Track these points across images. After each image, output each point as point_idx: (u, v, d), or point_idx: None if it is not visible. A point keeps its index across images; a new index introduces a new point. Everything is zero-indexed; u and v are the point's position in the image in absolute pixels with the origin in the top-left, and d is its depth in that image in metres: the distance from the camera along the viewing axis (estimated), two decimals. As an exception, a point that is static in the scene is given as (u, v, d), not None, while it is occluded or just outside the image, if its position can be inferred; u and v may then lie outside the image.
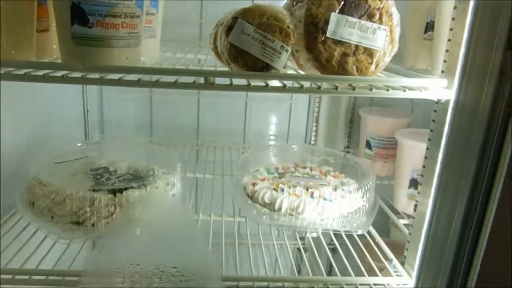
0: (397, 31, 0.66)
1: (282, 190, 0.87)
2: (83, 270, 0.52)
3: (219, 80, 0.63)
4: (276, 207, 0.86)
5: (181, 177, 1.06)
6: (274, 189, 0.88)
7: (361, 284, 0.74)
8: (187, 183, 1.09)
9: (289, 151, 1.08)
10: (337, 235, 1.06)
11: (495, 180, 0.52)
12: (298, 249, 1.40)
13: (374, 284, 0.75)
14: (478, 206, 0.54)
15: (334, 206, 0.86)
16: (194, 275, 0.50)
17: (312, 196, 0.86)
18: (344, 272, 0.82)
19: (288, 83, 0.64)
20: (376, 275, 0.78)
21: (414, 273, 0.71)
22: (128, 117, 1.32)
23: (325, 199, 0.86)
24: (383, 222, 1.20)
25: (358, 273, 0.80)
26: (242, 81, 0.64)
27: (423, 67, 0.93)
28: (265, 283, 0.73)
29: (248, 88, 0.63)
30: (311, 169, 1.01)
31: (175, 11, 1.21)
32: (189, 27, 1.25)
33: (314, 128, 1.33)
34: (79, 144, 0.94)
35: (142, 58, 0.77)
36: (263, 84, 0.63)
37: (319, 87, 0.64)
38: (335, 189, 0.88)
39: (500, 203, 0.51)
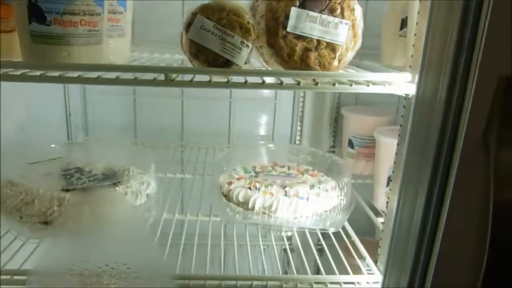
0: (359, 26, 0.65)
1: (257, 189, 0.87)
2: (31, 270, 0.52)
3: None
4: (250, 205, 0.85)
5: (159, 178, 1.07)
6: (249, 188, 0.88)
7: (330, 282, 0.74)
8: (168, 183, 1.09)
9: (268, 150, 1.08)
10: (325, 235, 1.05)
11: (449, 175, 0.51)
12: (285, 249, 1.39)
13: (344, 283, 0.74)
14: (434, 200, 0.53)
15: (308, 204, 0.85)
16: (144, 273, 0.50)
17: (287, 194, 0.86)
18: (330, 272, 0.81)
19: (251, 79, 0.64)
20: (348, 273, 0.77)
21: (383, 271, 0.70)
22: (113, 119, 1.31)
23: (300, 197, 0.86)
24: (369, 222, 1.19)
25: (342, 272, 0.79)
26: (205, 77, 0.64)
27: (399, 64, 0.92)
28: (233, 282, 0.72)
29: (209, 84, 0.62)
30: (288, 168, 1.00)
31: (158, 12, 1.22)
32: (172, 28, 1.25)
33: (298, 128, 1.32)
34: (52, 145, 0.93)
35: (111, 57, 0.77)
36: (224, 80, 0.63)
37: (281, 83, 0.63)
38: (312, 187, 0.87)
39: (453, 198, 0.50)
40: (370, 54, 1.05)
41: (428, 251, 0.54)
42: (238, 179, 0.92)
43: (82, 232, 0.51)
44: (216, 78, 0.63)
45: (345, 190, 0.91)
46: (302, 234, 1.03)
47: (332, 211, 0.87)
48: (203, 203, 0.99)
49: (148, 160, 0.93)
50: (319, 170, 1.01)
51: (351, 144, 1.16)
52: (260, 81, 0.63)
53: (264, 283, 0.73)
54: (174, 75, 0.62)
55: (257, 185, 0.87)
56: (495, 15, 0.45)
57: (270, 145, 1.09)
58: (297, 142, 1.33)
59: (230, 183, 0.91)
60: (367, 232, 1.05)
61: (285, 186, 0.87)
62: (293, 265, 1.00)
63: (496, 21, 0.45)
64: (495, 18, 0.45)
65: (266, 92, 1.32)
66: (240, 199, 0.87)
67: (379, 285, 0.72)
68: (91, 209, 0.51)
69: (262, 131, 1.37)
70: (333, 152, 1.32)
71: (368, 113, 1.14)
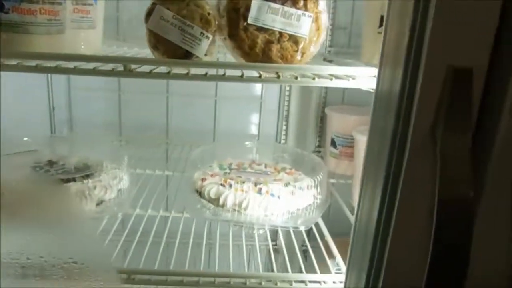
0: (323, 18, 0.64)
1: (230, 185, 0.86)
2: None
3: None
4: (221, 202, 0.84)
5: (139, 174, 1.07)
6: (221, 184, 0.87)
7: (296, 281, 0.72)
8: (148, 180, 1.08)
9: (247, 148, 1.07)
10: (310, 236, 1.04)
11: (400, 171, 0.49)
12: (269, 250, 1.38)
13: (310, 281, 0.73)
14: (388, 197, 0.51)
15: (281, 202, 0.84)
16: (87, 264, 0.49)
17: (259, 192, 0.85)
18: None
19: (213, 72, 0.63)
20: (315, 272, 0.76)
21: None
22: (98, 115, 1.31)
23: (272, 195, 0.85)
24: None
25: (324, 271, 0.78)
26: (165, 69, 0.63)
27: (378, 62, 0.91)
28: (211, 279, 0.71)
29: (168, 76, 0.62)
30: (265, 166, 0.99)
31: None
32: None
33: (284, 127, 1.31)
34: (25, 139, 0.93)
35: (82, 47, 0.77)
36: (184, 72, 0.62)
37: (241, 75, 0.62)
38: (286, 185, 0.87)
39: (403, 195, 0.49)
40: (356, 53, 1.04)
41: (382, 249, 0.53)
42: (212, 175, 0.91)
43: (23, 222, 0.50)
44: (176, 70, 0.62)
45: (319, 189, 0.89)
46: (287, 234, 1.02)
47: (305, 209, 0.86)
48: (177, 199, 0.98)
49: (124, 155, 0.92)
50: (297, 169, 1.00)
51: (333, 144, 1.14)
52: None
53: (228, 279, 0.72)
54: (133, 66, 0.61)
55: (230, 182, 0.86)
56: (442, 2, 0.44)
57: (247, 143, 1.08)
58: (282, 141, 1.32)
59: (203, 180, 0.90)
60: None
61: (259, 184, 0.86)
62: (274, 265, 0.99)
63: (443, 9, 0.44)
64: (442, 6, 0.44)
65: (252, 90, 1.31)
66: (212, 195, 0.86)
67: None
68: (32, 200, 0.51)
69: (248, 130, 1.36)
70: (319, 152, 1.31)
71: (351, 112, 1.13)
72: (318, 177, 0.88)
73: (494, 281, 0.51)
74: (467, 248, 0.44)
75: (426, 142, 0.47)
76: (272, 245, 1.37)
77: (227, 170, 0.95)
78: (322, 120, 1.30)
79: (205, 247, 0.96)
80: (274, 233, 1.36)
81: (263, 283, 0.72)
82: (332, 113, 1.14)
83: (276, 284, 0.72)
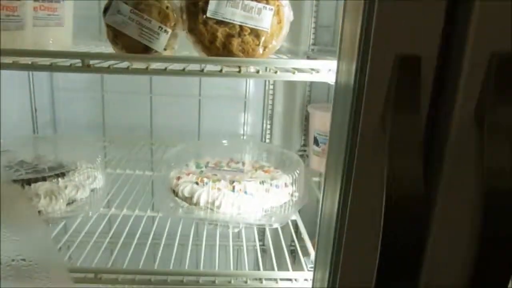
0: (285, 11, 0.63)
1: (205, 183, 0.85)
2: None
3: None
4: (195, 200, 0.83)
5: (116, 174, 1.06)
6: (196, 182, 0.86)
7: (266, 279, 0.71)
8: (126, 180, 1.07)
9: (226, 147, 1.06)
10: (298, 235, 1.03)
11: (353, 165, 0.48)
12: (257, 250, 1.36)
13: (281, 279, 0.71)
14: (343, 192, 0.50)
15: (254, 200, 0.83)
16: (36, 262, 0.48)
17: (234, 190, 0.84)
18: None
19: (173, 67, 0.62)
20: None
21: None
22: (81, 116, 1.30)
23: (245, 193, 0.84)
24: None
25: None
26: (125, 64, 0.62)
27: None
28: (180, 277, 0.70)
29: (127, 71, 0.61)
30: (243, 164, 0.98)
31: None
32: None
33: (268, 127, 1.30)
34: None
35: (51, 42, 0.76)
36: (143, 66, 0.61)
37: (202, 70, 0.61)
38: (262, 183, 0.85)
39: (355, 189, 0.48)
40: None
41: (339, 245, 0.52)
42: (187, 174, 0.90)
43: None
44: (136, 65, 0.61)
45: (295, 187, 0.88)
46: (275, 235, 1.01)
47: (281, 207, 0.85)
48: (153, 199, 0.97)
49: (98, 155, 0.91)
50: (276, 167, 0.99)
51: (316, 142, 1.13)
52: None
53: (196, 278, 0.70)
54: (92, 62, 0.60)
55: (205, 180, 0.85)
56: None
57: (224, 141, 1.07)
58: (267, 140, 1.31)
59: (179, 178, 0.89)
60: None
61: (234, 182, 0.85)
62: (261, 265, 0.98)
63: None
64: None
65: (237, 90, 1.30)
66: (186, 194, 0.85)
67: (312, 282, 0.69)
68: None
69: (233, 130, 1.35)
70: (304, 150, 1.29)
71: (334, 110, 1.11)
72: (294, 174, 0.87)
73: (450, 281, 0.49)
74: (417, 248, 0.42)
75: (376, 135, 0.46)
76: (260, 245, 1.36)
77: (203, 169, 0.94)
78: (307, 118, 1.29)
79: (191, 248, 0.95)
80: (262, 233, 1.35)
81: (232, 281, 0.71)
82: (314, 111, 1.13)
83: (246, 282, 0.71)
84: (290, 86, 1.25)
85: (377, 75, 0.44)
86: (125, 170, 1.11)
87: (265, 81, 1.27)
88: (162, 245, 0.87)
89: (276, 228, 0.97)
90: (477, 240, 0.43)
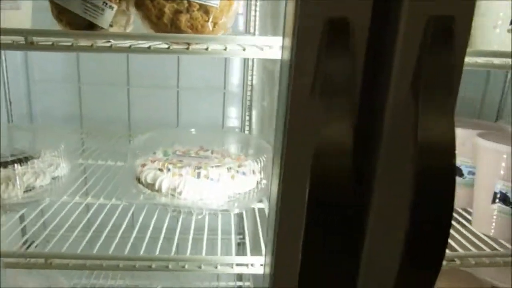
0: (235, -13, 0.61)
1: (168, 170, 0.83)
2: None
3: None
4: (157, 187, 0.82)
5: (88, 164, 1.04)
6: (159, 169, 0.84)
7: (221, 264, 0.69)
8: (96, 170, 1.06)
9: (197, 136, 1.04)
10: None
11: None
12: (239, 244, 1.34)
13: (237, 264, 0.69)
14: (282, 176, 0.48)
15: (219, 186, 0.81)
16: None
17: (198, 176, 0.82)
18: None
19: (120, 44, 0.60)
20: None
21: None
22: (58, 108, 1.29)
23: (211, 179, 0.82)
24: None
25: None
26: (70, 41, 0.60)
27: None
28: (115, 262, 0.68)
29: (71, 48, 0.59)
30: (212, 152, 0.96)
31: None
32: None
33: (247, 118, 1.28)
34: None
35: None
36: (88, 44, 0.59)
37: (149, 47, 0.60)
38: (228, 170, 0.84)
39: (285, 176, 0.45)
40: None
41: (277, 226, 0.50)
42: (152, 161, 0.88)
43: None
44: (81, 42, 0.59)
45: (264, 173, 0.86)
46: (254, 226, 0.98)
47: (245, 194, 0.83)
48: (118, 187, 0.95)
49: (61, 143, 0.90)
50: (246, 155, 0.97)
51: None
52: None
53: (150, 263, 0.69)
54: (35, 39, 0.59)
55: (169, 166, 0.84)
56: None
57: (192, 130, 1.05)
58: (247, 131, 1.29)
59: (143, 165, 0.87)
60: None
61: (198, 168, 0.83)
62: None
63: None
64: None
65: (215, 81, 1.29)
66: (149, 180, 0.83)
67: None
68: None
69: (213, 122, 1.33)
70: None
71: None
72: (261, 160, 0.85)
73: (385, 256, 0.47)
74: (346, 221, 0.40)
75: (307, 104, 0.44)
76: (239, 239, 1.34)
77: (170, 156, 0.92)
78: (286, 109, 1.26)
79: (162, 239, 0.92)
80: (240, 226, 1.33)
81: (186, 266, 0.69)
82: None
83: (200, 267, 0.69)
84: (270, 75, 1.23)
85: (307, 41, 0.42)
86: (97, 160, 1.09)
87: (244, 71, 1.25)
88: (131, 239, 0.85)
89: (255, 219, 0.95)
90: (409, 220, 0.41)
